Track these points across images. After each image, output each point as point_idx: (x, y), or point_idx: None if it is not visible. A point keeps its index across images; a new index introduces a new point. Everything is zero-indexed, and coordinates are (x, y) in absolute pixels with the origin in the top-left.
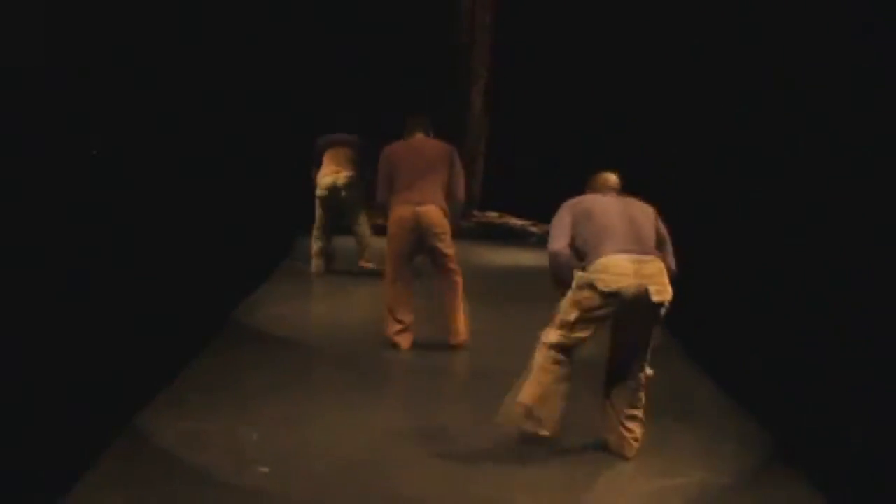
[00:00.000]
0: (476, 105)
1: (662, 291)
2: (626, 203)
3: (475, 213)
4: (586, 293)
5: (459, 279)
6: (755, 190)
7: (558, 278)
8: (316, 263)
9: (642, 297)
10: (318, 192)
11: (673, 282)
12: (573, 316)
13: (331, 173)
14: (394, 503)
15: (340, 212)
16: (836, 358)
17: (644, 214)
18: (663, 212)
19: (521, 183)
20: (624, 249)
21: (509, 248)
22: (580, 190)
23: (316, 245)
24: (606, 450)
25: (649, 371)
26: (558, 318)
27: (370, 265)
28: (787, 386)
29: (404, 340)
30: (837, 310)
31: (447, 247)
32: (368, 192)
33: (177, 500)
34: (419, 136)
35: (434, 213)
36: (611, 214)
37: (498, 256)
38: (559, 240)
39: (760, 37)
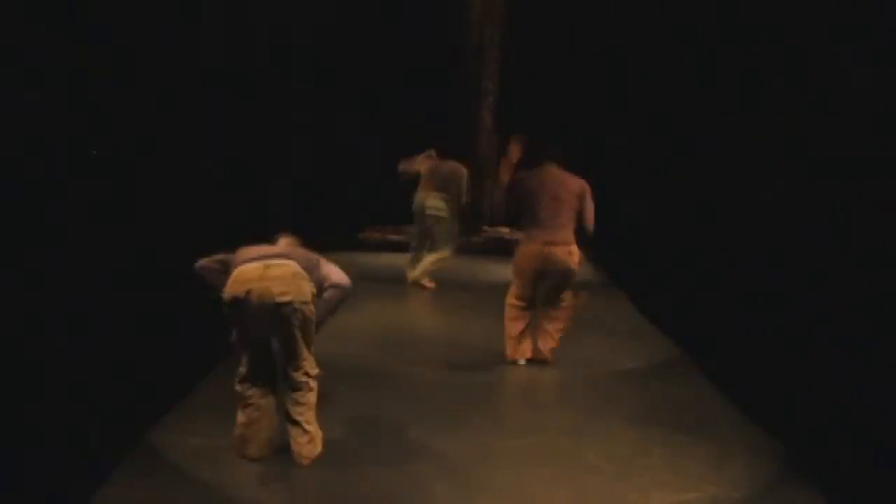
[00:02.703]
0: (486, 122)
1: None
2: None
3: (485, 228)
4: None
5: (564, 313)
6: (767, 202)
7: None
8: (409, 271)
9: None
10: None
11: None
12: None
13: (423, 197)
14: None
15: (425, 232)
16: (849, 371)
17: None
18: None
19: None
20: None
21: None
22: None
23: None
24: (610, 456)
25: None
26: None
27: (430, 285)
28: (799, 399)
29: (522, 353)
30: (850, 323)
31: (565, 285)
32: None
33: None
34: (552, 168)
35: (561, 253)
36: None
37: (508, 271)
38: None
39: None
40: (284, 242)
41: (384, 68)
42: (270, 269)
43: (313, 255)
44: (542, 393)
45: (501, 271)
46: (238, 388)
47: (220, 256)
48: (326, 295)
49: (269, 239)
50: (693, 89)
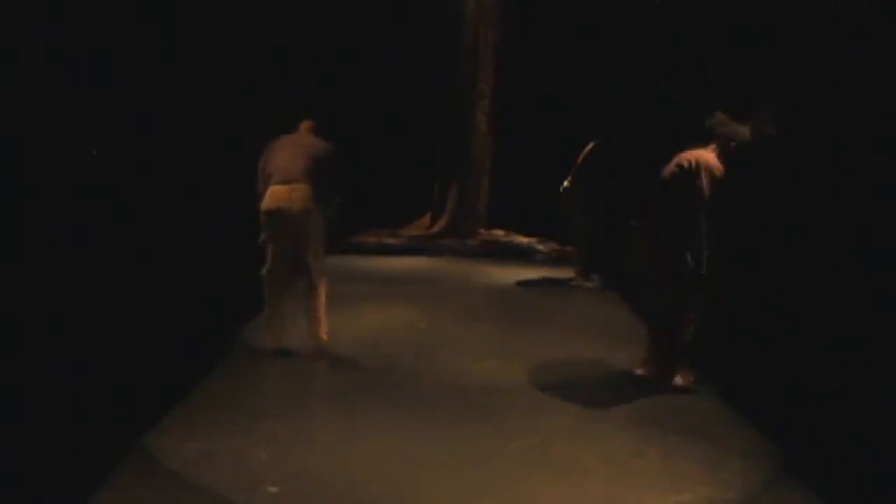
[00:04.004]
0: (481, 124)
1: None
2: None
3: (481, 231)
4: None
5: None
6: (758, 199)
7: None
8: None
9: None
10: None
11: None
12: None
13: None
14: None
15: None
16: (844, 372)
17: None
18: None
19: (526, 201)
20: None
21: (515, 267)
22: None
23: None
24: (604, 458)
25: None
26: None
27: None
28: (794, 400)
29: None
30: (845, 324)
31: None
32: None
33: None
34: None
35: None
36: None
37: (504, 274)
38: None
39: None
40: (305, 127)
41: (379, 71)
42: (294, 192)
43: (328, 151)
44: (536, 395)
45: (497, 273)
46: (265, 276)
47: (261, 174)
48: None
49: (293, 128)
50: (692, 89)
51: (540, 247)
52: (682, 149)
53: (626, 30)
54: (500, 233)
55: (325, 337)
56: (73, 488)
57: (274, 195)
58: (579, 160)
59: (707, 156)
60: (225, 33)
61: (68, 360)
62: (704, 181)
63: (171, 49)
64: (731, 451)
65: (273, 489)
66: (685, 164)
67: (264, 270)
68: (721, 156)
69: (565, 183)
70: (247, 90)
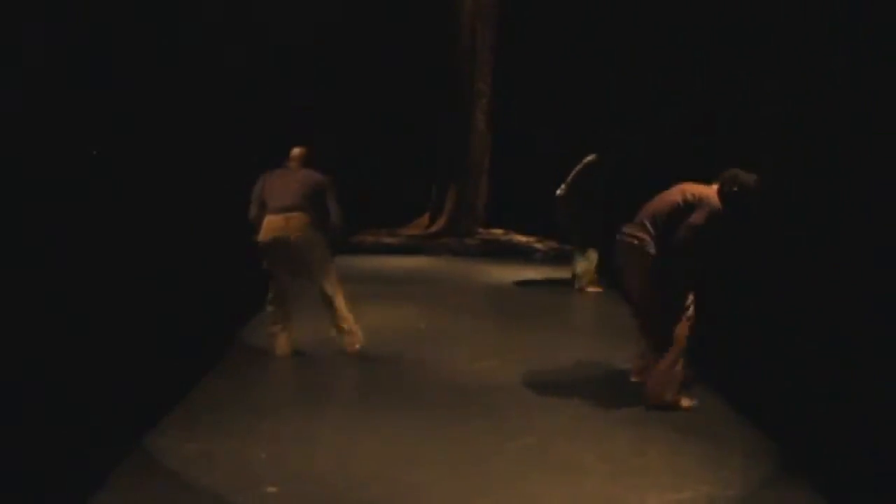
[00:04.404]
0: (479, 123)
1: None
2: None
3: (480, 230)
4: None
5: None
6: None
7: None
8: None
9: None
10: None
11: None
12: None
13: None
14: None
15: None
16: (845, 371)
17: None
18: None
19: (525, 200)
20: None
21: (514, 265)
22: None
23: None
24: (605, 456)
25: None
26: None
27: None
28: (794, 398)
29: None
30: (845, 323)
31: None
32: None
33: None
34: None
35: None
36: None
37: (503, 273)
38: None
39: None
40: (296, 156)
41: (377, 71)
42: (290, 221)
43: (322, 182)
44: (535, 394)
45: (496, 272)
46: (269, 306)
47: (255, 200)
48: (332, 228)
49: (287, 156)
50: (690, 90)
51: (539, 246)
52: (680, 177)
53: (625, 28)
54: (498, 232)
55: (357, 345)
56: (73, 488)
57: (270, 226)
58: (575, 171)
59: (708, 192)
60: (225, 33)
61: (68, 361)
62: (702, 217)
63: (171, 49)
64: (732, 449)
65: (273, 489)
66: (689, 196)
67: (269, 303)
68: (722, 197)
69: (558, 191)
70: (247, 90)
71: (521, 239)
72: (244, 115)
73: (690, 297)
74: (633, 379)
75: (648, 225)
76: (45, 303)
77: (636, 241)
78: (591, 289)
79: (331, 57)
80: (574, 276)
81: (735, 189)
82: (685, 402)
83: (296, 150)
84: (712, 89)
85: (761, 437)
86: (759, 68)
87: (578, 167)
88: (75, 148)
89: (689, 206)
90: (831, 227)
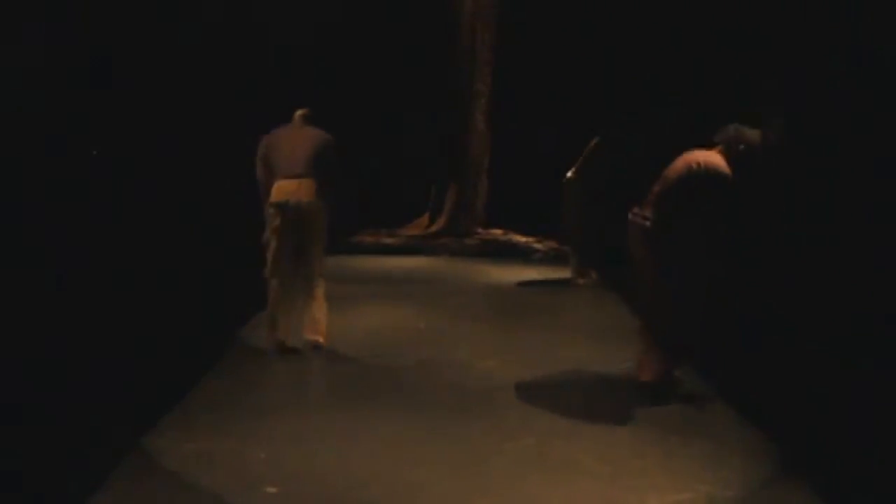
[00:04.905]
0: (479, 123)
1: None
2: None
3: (479, 230)
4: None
5: None
6: (757, 201)
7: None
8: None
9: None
10: None
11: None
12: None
13: None
14: None
15: None
16: (844, 371)
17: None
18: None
19: (524, 200)
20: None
21: (514, 265)
22: None
23: None
24: (603, 457)
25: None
26: None
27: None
28: (793, 399)
29: None
30: (844, 323)
31: None
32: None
33: None
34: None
35: None
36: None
37: (502, 274)
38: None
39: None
40: (300, 116)
41: (376, 70)
42: (302, 186)
43: (327, 141)
44: (534, 394)
45: (495, 273)
46: (267, 275)
47: (260, 163)
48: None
49: (289, 118)
50: (688, 91)
51: (538, 246)
52: (682, 147)
53: (623, 27)
54: (498, 232)
55: (321, 339)
56: (72, 489)
57: (282, 188)
58: (584, 153)
59: (715, 158)
60: (225, 33)
61: (67, 361)
62: (713, 184)
63: (171, 49)
64: (731, 449)
65: (272, 489)
66: (694, 165)
67: (267, 271)
68: (728, 159)
69: (569, 174)
70: (247, 90)
71: (521, 239)
72: (243, 115)
73: (698, 295)
74: (636, 378)
75: (659, 203)
76: (45, 303)
77: (647, 223)
78: (581, 280)
79: (331, 57)
80: (572, 274)
81: (742, 147)
82: (667, 391)
83: (299, 111)
84: (712, 90)
85: (761, 437)
86: (759, 68)
87: (586, 150)
88: (75, 148)
89: (696, 176)
90: (831, 225)
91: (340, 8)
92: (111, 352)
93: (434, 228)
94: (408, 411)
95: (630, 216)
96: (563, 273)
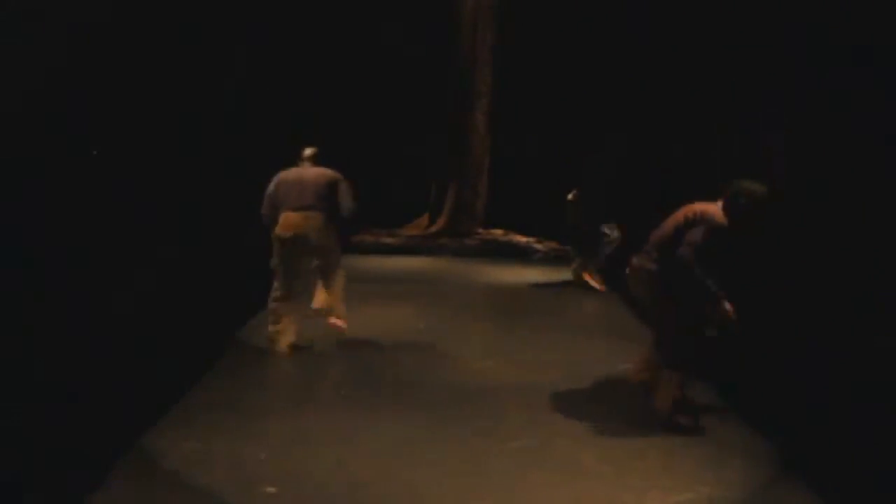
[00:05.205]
0: (479, 124)
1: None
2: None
3: (479, 230)
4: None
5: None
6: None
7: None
8: None
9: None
10: None
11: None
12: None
13: None
14: None
15: None
16: (844, 373)
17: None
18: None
19: (524, 201)
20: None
21: (514, 265)
22: None
23: None
24: (605, 458)
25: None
26: None
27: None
28: (794, 401)
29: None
30: (845, 324)
31: None
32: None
33: None
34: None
35: None
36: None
37: (502, 274)
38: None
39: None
40: (308, 156)
41: (378, 72)
42: (308, 220)
43: (334, 178)
44: (537, 395)
45: (495, 273)
46: (273, 304)
47: (268, 199)
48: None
49: (298, 155)
50: (688, 92)
51: (538, 246)
52: (680, 178)
53: (625, 28)
54: (498, 232)
55: (341, 324)
56: (72, 488)
57: (289, 221)
58: (584, 178)
59: (712, 208)
60: (225, 33)
61: (67, 361)
62: (701, 234)
63: (171, 49)
64: (732, 450)
65: (271, 489)
66: (690, 214)
67: (273, 299)
68: (729, 212)
69: (569, 196)
70: (247, 92)
71: (521, 239)
72: (245, 117)
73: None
74: (632, 380)
75: (654, 252)
76: (45, 303)
77: (643, 273)
78: (592, 281)
79: (331, 57)
80: (573, 274)
81: (743, 201)
82: (682, 420)
83: (308, 151)
84: (712, 90)
85: (761, 438)
86: (758, 68)
87: (585, 175)
88: (75, 148)
89: (691, 223)
90: (832, 229)
91: (341, 8)
92: (111, 352)
93: (434, 228)
94: (408, 411)
95: (629, 267)
96: (564, 273)
